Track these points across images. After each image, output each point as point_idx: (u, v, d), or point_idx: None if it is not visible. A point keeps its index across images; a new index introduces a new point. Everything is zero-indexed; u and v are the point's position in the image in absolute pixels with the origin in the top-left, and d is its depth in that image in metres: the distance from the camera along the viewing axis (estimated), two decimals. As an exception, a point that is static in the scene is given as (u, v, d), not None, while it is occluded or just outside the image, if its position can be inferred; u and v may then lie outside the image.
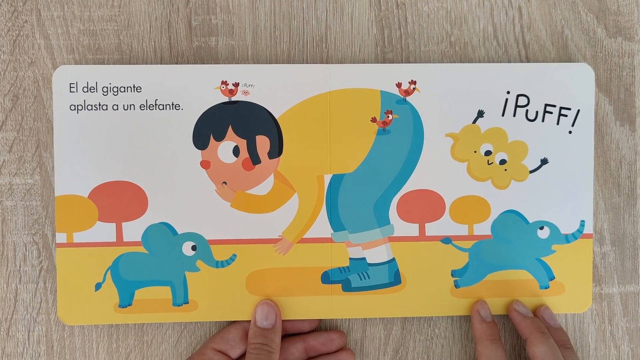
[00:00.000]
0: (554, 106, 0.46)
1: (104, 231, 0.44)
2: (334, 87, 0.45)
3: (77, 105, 0.44)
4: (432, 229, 0.46)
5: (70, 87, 0.44)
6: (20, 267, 0.47)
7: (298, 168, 0.45)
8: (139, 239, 0.44)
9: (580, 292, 0.46)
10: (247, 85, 0.44)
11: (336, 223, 0.46)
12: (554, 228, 0.46)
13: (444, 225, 0.46)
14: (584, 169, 0.46)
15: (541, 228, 0.46)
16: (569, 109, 0.46)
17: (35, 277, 0.47)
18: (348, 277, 0.46)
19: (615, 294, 0.48)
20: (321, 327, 0.48)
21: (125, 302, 0.44)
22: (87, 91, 0.44)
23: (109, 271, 0.44)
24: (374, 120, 0.45)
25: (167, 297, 0.45)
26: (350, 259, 0.46)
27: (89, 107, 0.44)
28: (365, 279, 0.46)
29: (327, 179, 0.45)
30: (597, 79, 0.48)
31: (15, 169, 0.47)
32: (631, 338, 0.48)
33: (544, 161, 0.46)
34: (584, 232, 0.46)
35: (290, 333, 0.46)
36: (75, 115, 0.44)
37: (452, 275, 0.46)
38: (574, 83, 0.46)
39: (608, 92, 0.48)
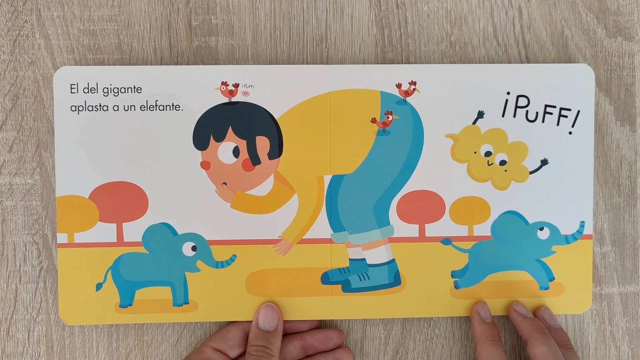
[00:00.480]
0: (554, 107, 0.46)
1: (105, 231, 0.45)
2: (334, 87, 0.45)
3: (78, 106, 0.44)
4: (432, 229, 0.46)
5: (71, 88, 0.44)
6: (20, 267, 0.47)
7: (298, 169, 0.45)
8: (140, 240, 0.45)
9: (580, 293, 0.47)
10: (247, 86, 0.45)
11: (336, 224, 0.46)
12: (553, 229, 0.47)
13: (444, 226, 0.46)
14: (583, 170, 0.46)
15: (541, 229, 0.47)
16: (569, 109, 0.46)
17: (35, 277, 0.47)
18: (348, 278, 0.46)
19: (615, 294, 0.49)
20: (321, 325, 0.48)
21: (126, 302, 0.45)
22: (88, 92, 0.44)
23: (110, 271, 0.45)
24: (374, 121, 0.46)
25: (167, 297, 0.45)
26: (350, 259, 0.46)
27: (90, 108, 0.44)
28: (365, 279, 0.46)
29: (327, 179, 0.46)
30: (598, 79, 0.48)
31: (15, 169, 0.47)
32: (631, 338, 0.49)
33: (544, 162, 0.46)
34: (584, 232, 0.47)
35: (289, 332, 0.47)
36: (76, 116, 0.44)
37: (452, 276, 0.47)
38: (574, 84, 0.46)
39: (608, 92, 0.48)
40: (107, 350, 0.47)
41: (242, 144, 0.45)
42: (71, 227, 0.45)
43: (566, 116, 0.46)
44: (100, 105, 0.44)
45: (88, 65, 0.47)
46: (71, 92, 0.44)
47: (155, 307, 0.45)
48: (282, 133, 0.45)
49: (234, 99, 0.45)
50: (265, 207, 0.45)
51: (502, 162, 0.46)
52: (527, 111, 0.46)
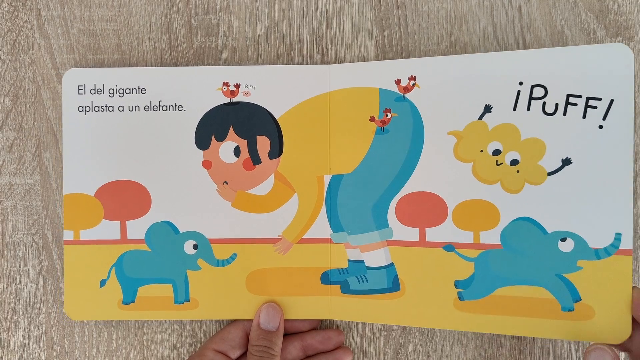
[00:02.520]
0: (579, 96, 0.43)
1: (109, 229, 0.48)
2: (334, 87, 0.48)
3: (85, 107, 0.48)
4: (433, 234, 0.46)
5: (79, 89, 0.48)
6: (20, 267, 0.51)
7: (298, 168, 0.48)
8: (143, 237, 0.48)
9: (614, 319, 0.43)
10: (248, 86, 0.48)
11: (336, 224, 0.48)
12: (579, 240, 0.43)
13: (446, 231, 0.46)
14: (619, 171, 0.42)
15: (563, 240, 0.43)
16: (599, 99, 0.42)
17: (35, 277, 0.51)
18: (347, 279, 0.48)
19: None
20: (321, 326, 0.51)
21: (129, 298, 0.49)
22: (95, 93, 0.48)
23: (114, 268, 0.48)
24: (372, 119, 0.47)
25: (169, 294, 0.49)
26: (349, 260, 0.48)
27: (96, 109, 0.48)
28: (363, 282, 0.48)
29: (327, 179, 0.48)
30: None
31: (15, 169, 0.51)
32: None
33: (566, 161, 0.43)
34: (620, 247, 0.42)
35: (289, 333, 0.50)
36: (83, 117, 0.48)
37: (455, 286, 0.46)
38: (605, 68, 0.42)
39: (609, 92, 0.51)
40: (107, 350, 0.51)
41: (243, 144, 0.48)
42: (77, 225, 0.48)
43: (595, 107, 0.42)
44: (106, 106, 0.48)
45: (88, 65, 0.51)
46: (78, 93, 0.48)
47: (157, 304, 0.49)
48: (283, 133, 0.48)
49: (235, 99, 0.48)
50: (265, 207, 0.48)
51: (514, 162, 0.44)
52: (544, 103, 0.44)
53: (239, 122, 0.48)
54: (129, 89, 0.48)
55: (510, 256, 0.45)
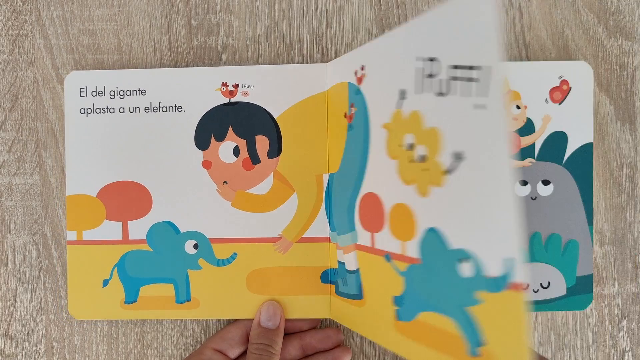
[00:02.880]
0: (464, 68, 0.31)
1: (111, 229, 0.50)
2: (330, 84, 0.49)
3: (87, 109, 0.50)
4: (379, 240, 0.43)
5: (81, 91, 0.50)
6: (19, 267, 0.52)
7: (297, 167, 0.49)
8: (144, 237, 0.50)
9: None
10: (247, 86, 0.50)
11: (332, 223, 0.49)
12: (477, 264, 0.32)
13: (385, 238, 0.41)
14: (500, 166, 0.30)
15: (463, 260, 0.33)
16: (480, 67, 0.30)
17: (35, 277, 0.52)
18: (337, 280, 0.49)
19: (615, 294, 0.52)
20: (321, 325, 0.52)
21: (131, 298, 0.50)
22: (96, 95, 0.50)
23: (116, 268, 0.50)
24: (345, 115, 0.47)
25: (170, 294, 0.50)
26: (338, 261, 0.49)
27: (97, 111, 0.50)
28: (345, 285, 0.48)
29: (326, 178, 0.49)
30: (598, 79, 0.52)
31: (15, 169, 0.52)
32: (631, 338, 0.52)
33: (458, 156, 0.32)
34: (511, 279, 0.29)
35: (289, 332, 0.51)
36: (85, 119, 0.50)
37: (393, 302, 0.40)
38: (480, 24, 0.30)
39: (609, 92, 0.52)
40: (106, 350, 0.52)
41: (242, 144, 0.50)
42: (80, 225, 0.50)
43: (477, 80, 0.30)
44: (107, 108, 0.50)
45: (87, 64, 0.52)
46: (80, 96, 0.50)
47: (158, 303, 0.50)
48: (281, 132, 0.49)
49: (234, 99, 0.50)
50: (265, 206, 0.50)
51: (422, 158, 0.36)
52: (438, 80, 0.34)
53: (237, 122, 0.50)
54: (129, 91, 0.50)
55: (428, 275, 0.36)
